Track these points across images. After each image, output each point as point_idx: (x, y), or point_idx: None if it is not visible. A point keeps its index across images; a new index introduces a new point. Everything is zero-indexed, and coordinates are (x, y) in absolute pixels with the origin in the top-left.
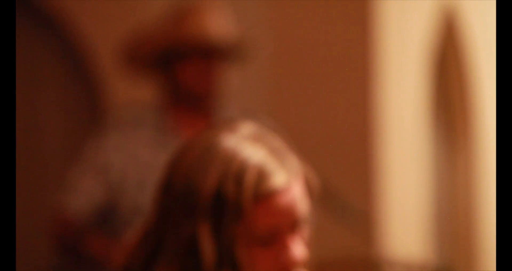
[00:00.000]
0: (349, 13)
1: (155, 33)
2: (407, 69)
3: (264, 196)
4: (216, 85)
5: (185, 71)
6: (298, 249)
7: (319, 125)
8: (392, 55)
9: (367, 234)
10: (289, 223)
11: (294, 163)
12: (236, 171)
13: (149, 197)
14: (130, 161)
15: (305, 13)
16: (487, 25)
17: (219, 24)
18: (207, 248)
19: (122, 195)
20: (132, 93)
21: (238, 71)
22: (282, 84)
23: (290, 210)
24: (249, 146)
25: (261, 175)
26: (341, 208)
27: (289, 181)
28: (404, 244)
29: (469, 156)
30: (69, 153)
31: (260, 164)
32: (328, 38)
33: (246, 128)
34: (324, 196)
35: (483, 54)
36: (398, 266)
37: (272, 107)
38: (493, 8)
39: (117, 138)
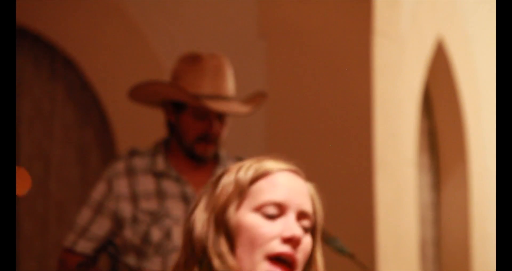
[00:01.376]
0: (345, 63)
1: (159, 84)
2: (400, 109)
3: (265, 173)
4: (211, 138)
5: (182, 120)
6: (297, 228)
7: (316, 172)
8: (386, 97)
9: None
10: (293, 204)
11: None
12: (237, 168)
13: (142, 230)
14: (131, 200)
15: (301, 62)
16: (476, 64)
17: (217, 84)
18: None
19: (122, 229)
20: (139, 135)
21: (234, 119)
22: (278, 132)
23: (291, 192)
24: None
25: (267, 163)
26: (337, 248)
27: (295, 170)
28: None
29: (457, 195)
30: (82, 194)
31: (263, 162)
32: (326, 89)
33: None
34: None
35: (469, 92)
36: None
37: (269, 151)
38: (482, 50)
39: (120, 181)
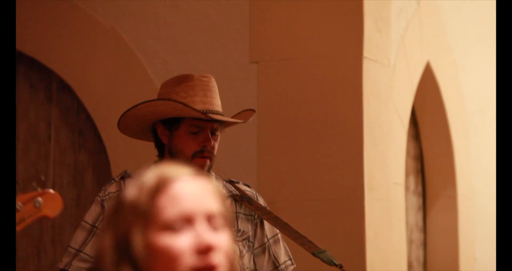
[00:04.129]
0: (335, 88)
1: (160, 102)
2: (389, 134)
3: (163, 186)
4: (207, 152)
5: (177, 138)
6: (210, 236)
7: (308, 193)
8: (375, 122)
9: None
10: (199, 211)
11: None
12: (139, 180)
13: None
14: None
15: (292, 88)
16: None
17: (209, 100)
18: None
19: None
20: (134, 157)
21: (226, 138)
22: (269, 154)
23: (194, 199)
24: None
25: (161, 173)
26: (325, 260)
27: (187, 174)
28: None
29: (444, 218)
30: (78, 216)
31: (160, 169)
32: (317, 112)
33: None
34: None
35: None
36: None
37: (260, 173)
38: (470, 75)
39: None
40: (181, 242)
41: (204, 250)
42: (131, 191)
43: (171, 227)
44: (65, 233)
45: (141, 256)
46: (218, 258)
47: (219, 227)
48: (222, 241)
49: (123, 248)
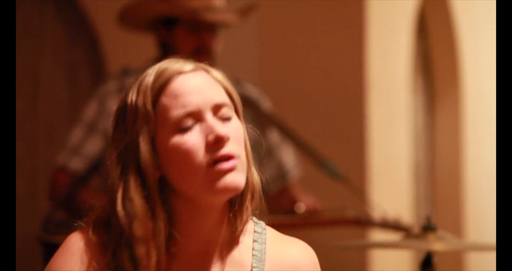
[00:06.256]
0: None
1: (151, 1)
2: (394, 32)
3: (163, 84)
4: (206, 51)
5: (175, 36)
6: (220, 127)
7: (308, 92)
8: (380, 19)
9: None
10: (205, 105)
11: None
12: (139, 80)
13: None
14: None
15: None
16: None
17: None
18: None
19: None
20: (129, 55)
21: (227, 37)
22: (271, 50)
23: (197, 93)
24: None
25: (160, 71)
26: (330, 171)
27: (190, 68)
28: (390, 203)
29: (450, 118)
30: (72, 114)
31: (159, 66)
32: (319, 8)
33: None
34: (315, 161)
35: (465, 18)
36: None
37: (261, 73)
38: None
39: (113, 100)
40: (193, 139)
41: (217, 142)
42: (132, 94)
43: (180, 126)
44: (60, 131)
45: (147, 160)
46: (232, 147)
47: (227, 116)
48: (233, 129)
49: (129, 156)
